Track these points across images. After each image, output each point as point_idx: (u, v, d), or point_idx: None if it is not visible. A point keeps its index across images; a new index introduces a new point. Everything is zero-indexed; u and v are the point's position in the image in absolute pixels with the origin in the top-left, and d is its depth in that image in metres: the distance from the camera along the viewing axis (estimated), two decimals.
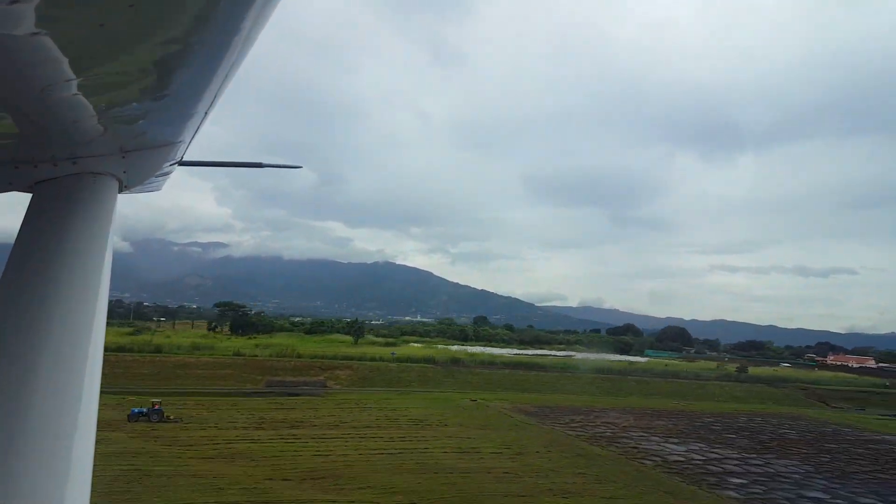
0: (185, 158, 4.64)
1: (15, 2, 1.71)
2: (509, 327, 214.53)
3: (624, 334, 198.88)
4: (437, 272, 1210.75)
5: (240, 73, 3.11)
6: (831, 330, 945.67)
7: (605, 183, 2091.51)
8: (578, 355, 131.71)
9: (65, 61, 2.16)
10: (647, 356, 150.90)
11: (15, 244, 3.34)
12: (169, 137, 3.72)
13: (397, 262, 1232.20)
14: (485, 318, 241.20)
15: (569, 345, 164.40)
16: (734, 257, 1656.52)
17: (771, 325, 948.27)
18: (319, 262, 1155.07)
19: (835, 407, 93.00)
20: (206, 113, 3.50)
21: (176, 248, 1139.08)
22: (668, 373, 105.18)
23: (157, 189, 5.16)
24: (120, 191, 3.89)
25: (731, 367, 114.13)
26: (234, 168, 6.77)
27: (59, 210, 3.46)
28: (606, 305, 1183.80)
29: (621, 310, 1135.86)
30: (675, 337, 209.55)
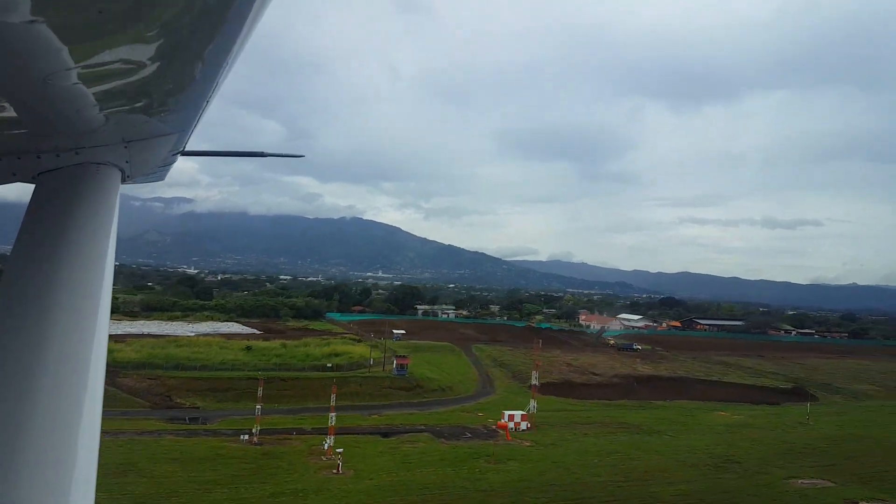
0: (186, 148, 4.60)
1: None
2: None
3: (331, 297, 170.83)
4: (406, 228, 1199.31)
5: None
6: (793, 281, 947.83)
7: (576, 137, 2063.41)
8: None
9: (64, 50, 2.14)
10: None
11: (18, 235, 3.36)
12: (171, 127, 3.72)
13: (365, 218, 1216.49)
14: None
15: (214, 312, 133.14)
16: (704, 210, 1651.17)
17: (735, 278, 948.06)
18: (286, 218, 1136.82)
19: (176, 404, 65.06)
20: (207, 101, 3.49)
21: (137, 204, 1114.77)
22: None
23: (160, 179, 5.12)
24: (122, 181, 3.88)
25: None
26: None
27: (62, 200, 3.47)
28: (576, 259, 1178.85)
29: (589, 263, 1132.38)
30: (399, 299, 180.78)
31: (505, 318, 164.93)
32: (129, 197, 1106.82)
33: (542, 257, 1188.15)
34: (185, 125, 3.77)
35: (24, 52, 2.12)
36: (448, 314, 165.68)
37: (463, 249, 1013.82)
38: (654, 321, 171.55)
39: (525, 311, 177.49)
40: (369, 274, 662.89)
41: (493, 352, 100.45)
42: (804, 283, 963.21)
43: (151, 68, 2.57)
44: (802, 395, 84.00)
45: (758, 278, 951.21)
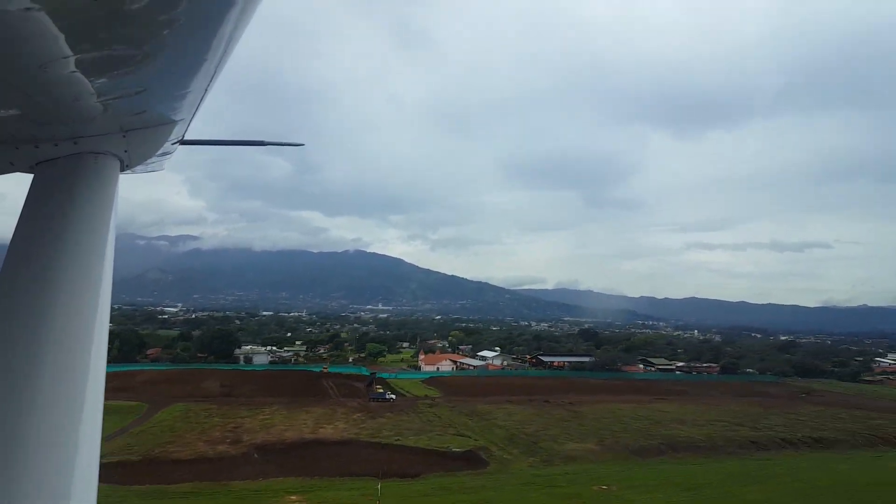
0: (185, 137, 4.64)
1: None
2: None
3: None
4: (411, 259, 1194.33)
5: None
6: (802, 304, 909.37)
7: (581, 164, 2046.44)
8: None
9: (61, 38, 2.14)
10: None
11: (17, 225, 3.38)
12: (169, 116, 3.70)
13: (369, 251, 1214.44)
14: None
15: None
16: (710, 235, 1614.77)
17: (742, 302, 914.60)
18: (290, 253, 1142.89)
19: None
20: (205, 90, 3.48)
21: (142, 243, 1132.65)
22: None
23: (160, 169, 5.16)
24: (122, 170, 3.90)
25: None
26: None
27: (61, 190, 3.49)
28: (582, 287, 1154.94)
29: (596, 291, 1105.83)
30: (207, 343, 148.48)
31: (329, 361, 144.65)
32: (134, 236, 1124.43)
33: (549, 286, 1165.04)
34: (184, 114, 3.69)
35: (20, 39, 2.09)
36: (280, 357, 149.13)
37: (466, 280, 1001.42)
38: (517, 358, 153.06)
39: (370, 350, 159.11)
40: (369, 307, 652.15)
41: (177, 414, 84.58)
42: (813, 305, 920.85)
43: (149, 56, 2.53)
44: (474, 461, 66.98)
45: (766, 302, 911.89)
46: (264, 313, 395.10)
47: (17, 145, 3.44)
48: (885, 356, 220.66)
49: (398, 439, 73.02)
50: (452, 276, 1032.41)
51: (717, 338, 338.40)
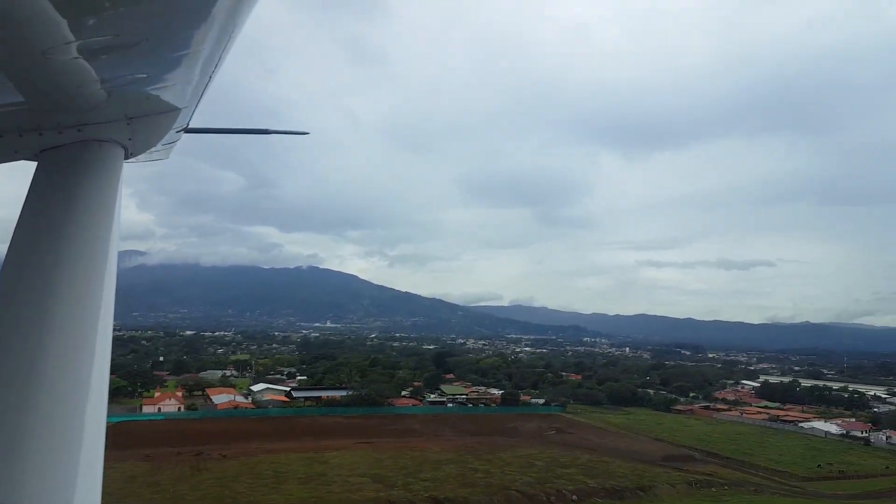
0: (190, 125, 4.61)
1: None
2: None
3: None
4: (366, 276, 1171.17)
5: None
6: (746, 321, 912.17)
7: (534, 184, 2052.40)
8: None
9: (64, 23, 2.10)
10: None
11: (21, 212, 3.37)
12: (174, 103, 3.70)
13: (322, 267, 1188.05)
14: None
15: None
16: (661, 253, 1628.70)
17: (689, 318, 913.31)
18: (240, 269, 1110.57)
19: None
20: (210, 77, 3.46)
21: None
22: None
23: (164, 157, 5.18)
24: (126, 158, 3.91)
25: None
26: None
27: (65, 178, 3.49)
28: (537, 303, 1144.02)
29: (550, 307, 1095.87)
30: None
31: None
32: None
33: (505, 302, 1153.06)
34: (188, 101, 3.71)
35: (22, 25, 2.05)
36: None
37: (419, 296, 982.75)
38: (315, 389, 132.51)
39: (114, 385, 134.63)
40: (317, 324, 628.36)
41: None
42: (757, 322, 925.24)
43: (153, 42, 2.49)
44: None
45: (713, 319, 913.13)
46: (186, 332, 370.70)
47: (21, 133, 3.39)
48: (756, 378, 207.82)
49: None
50: (407, 292, 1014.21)
51: (647, 356, 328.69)
